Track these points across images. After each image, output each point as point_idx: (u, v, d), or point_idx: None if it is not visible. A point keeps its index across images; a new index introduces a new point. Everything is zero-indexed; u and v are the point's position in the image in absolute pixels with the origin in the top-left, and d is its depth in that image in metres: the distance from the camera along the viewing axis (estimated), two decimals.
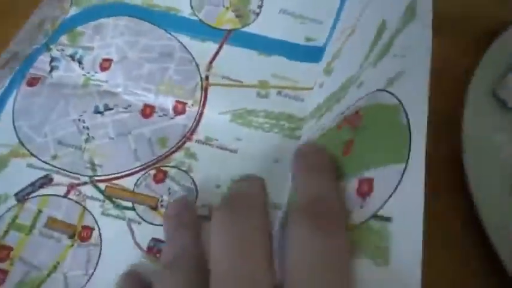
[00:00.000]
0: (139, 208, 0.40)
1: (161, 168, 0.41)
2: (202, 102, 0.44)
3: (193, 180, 0.41)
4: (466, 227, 0.41)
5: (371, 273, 0.25)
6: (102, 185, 0.41)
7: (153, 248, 0.38)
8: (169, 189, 0.41)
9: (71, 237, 0.38)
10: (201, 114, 0.44)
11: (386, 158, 0.27)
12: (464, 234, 0.41)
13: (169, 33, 0.47)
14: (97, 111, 0.43)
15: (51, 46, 0.47)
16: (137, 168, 0.41)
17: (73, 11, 0.50)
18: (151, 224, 0.39)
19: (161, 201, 0.40)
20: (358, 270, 0.26)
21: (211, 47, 0.47)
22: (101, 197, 0.40)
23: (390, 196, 0.26)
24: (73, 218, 0.39)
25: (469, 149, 0.41)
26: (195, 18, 0.48)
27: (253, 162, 0.42)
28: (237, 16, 0.48)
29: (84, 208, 0.40)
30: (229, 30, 0.47)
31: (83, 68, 0.46)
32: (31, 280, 0.37)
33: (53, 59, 0.47)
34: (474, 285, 0.40)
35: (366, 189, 0.28)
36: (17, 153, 0.42)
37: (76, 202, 0.40)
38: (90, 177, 0.41)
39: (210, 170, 0.41)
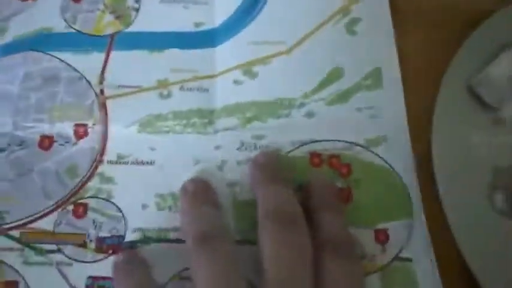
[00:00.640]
0: (66, 249, 0.37)
1: (78, 202, 0.39)
2: (104, 120, 0.42)
3: (117, 207, 0.39)
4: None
5: None
6: (15, 233, 0.37)
7: (93, 287, 0.36)
8: (93, 221, 0.38)
9: None
10: (106, 133, 0.41)
11: (397, 215, 0.38)
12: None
13: (48, 54, 0.44)
14: None
15: None
16: (51, 207, 0.39)
17: None
18: (84, 262, 0.37)
19: (88, 236, 0.38)
20: None
21: (98, 57, 0.44)
22: (18, 245, 0.37)
23: (406, 242, 0.38)
24: None
25: (440, 150, 0.40)
26: (72, 30, 0.45)
27: (174, 169, 0.40)
28: (116, 17, 0.46)
29: (1, 262, 0.36)
30: (112, 35, 0.45)
31: None
32: None
33: None
34: None
35: (383, 237, 0.38)
36: None
37: None
38: None
39: (132, 191, 0.39)
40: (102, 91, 0.43)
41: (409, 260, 0.37)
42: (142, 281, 0.35)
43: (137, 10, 0.46)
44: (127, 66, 0.44)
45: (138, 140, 0.41)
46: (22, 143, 0.40)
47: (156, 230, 0.38)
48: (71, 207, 0.39)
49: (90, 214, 0.38)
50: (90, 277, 0.36)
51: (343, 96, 0.42)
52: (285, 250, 0.32)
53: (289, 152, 0.40)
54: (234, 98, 0.42)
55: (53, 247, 0.37)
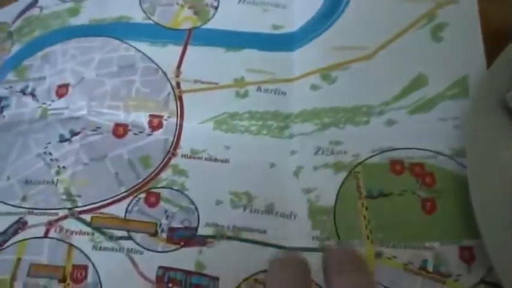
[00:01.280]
0: (137, 236, 0.37)
1: (151, 191, 0.39)
2: (179, 113, 0.42)
3: (190, 199, 0.38)
4: None
5: None
6: (86, 217, 0.37)
7: (164, 277, 0.35)
8: (166, 211, 0.38)
9: (62, 280, 0.35)
10: (180, 126, 0.41)
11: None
12: None
13: (126, 43, 0.45)
14: (63, 140, 0.40)
15: None
16: (123, 194, 0.38)
17: (15, 48, 0.47)
18: (155, 251, 0.36)
19: (160, 225, 0.37)
20: None
21: (174, 50, 0.44)
22: (88, 229, 0.37)
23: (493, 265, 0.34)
24: (60, 259, 0.36)
25: (474, 167, 0.37)
26: (150, 22, 0.46)
27: (249, 170, 0.40)
28: (194, 13, 0.46)
29: (71, 245, 0.36)
30: (190, 30, 0.45)
31: (37, 100, 0.43)
32: None
33: (1, 99, 0.43)
34: None
35: (468, 256, 0.36)
36: None
37: (59, 240, 0.36)
38: (70, 209, 0.38)
39: (206, 186, 0.39)
40: (178, 84, 0.43)
41: (495, 285, 0.35)
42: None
43: (216, 8, 0.46)
44: (203, 61, 0.44)
45: (213, 137, 0.41)
46: (96, 129, 0.41)
47: (230, 227, 0.37)
48: (143, 196, 0.38)
49: (163, 204, 0.38)
50: (161, 267, 0.36)
51: (426, 105, 0.41)
52: None
53: (368, 158, 0.39)
54: (312, 103, 0.42)
55: (124, 234, 0.37)
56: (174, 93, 0.43)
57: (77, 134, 0.40)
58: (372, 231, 0.37)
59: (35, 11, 0.48)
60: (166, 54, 0.44)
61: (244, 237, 0.37)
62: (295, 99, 0.43)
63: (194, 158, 0.40)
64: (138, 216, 0.38)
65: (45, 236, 0.37)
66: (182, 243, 0.37)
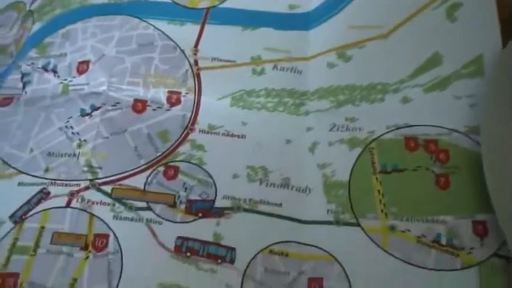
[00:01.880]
0: (156, 207, 0.38)
1: (170, 164, 0.40)
2: (197, 90, 0.43)
3: (208, 173, 0.39)
4: None
5: None
6: (107, 188, 0.38)
7: (182, 247, 0.36)
8: (184, 184, 0.39)
9: (84, 248, 0.36)
10: (198, 103, 0.42)
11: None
12: None
13: (144, 21, 0.46)
14: (84, 114, 0.41)
15: (20, 63, 0.45)
16: (143, 167, 0.39)
17: (36, 26, 0.48)
18: (174, 222, 0.37)
19: (179, 197, 0.38)
20: None
21: (192, 29, 0.45)
22: (109, 200, 0.38)
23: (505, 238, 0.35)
24: (82, 228, 0.37)
25: (488, 144, 0.38)
26: (168, 0, 0.47)
27: (266, 146, 0.41)
28: None
29: (92, 215, 0.37)
30: (208, 9, 0.46)
31: (58, 76, 0.44)
32: None
33: (24, 75, 0.44)
34: None
35: (481, 230, 0.36)
36: (2, 174, 0.39)
37: (81, 210, 0.37)
38: (91, 180, 0.39)
39: (223, 160, 0.40)
40: (196, 62, 0.44)
41: (507, 258, 0.35)
42: None
43: None
44: (220, 40, 0.45)
45: (230, 113, 0.42)
46: (116, 104, 0.42)
47: (247, 200, 0.38)
48: (161, 169, 0.39)
49: (181, 177, 0.39)
50: (179, 237, 0.36)
51: (441, 84, 0.41)
52: None
53: (382, 134, 0.40)
54: (327, 81, 0.43)
55: (143, 205, 0.38)
56: (192, 70, 0.43)
57: (97, 109, 0.41)
58: (386, 205, 0.37)
59: None
60: (184, 33, 0.45)
61: (260, 209, 0.38)
62: (311, 77, 0.43)
63: (211, 134, 0.41)
64: (157, 188, 0.39)
65: (68, 205, 0.38)
66: (200, 215, 0.38)
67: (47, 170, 0.39)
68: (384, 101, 0.41)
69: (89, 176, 0.39)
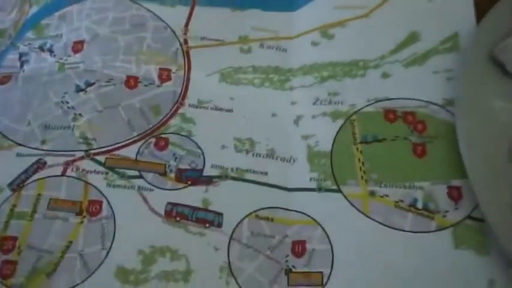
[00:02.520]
0: (148, 176, 0.39)
1: (161, 135, 0.41)
2: (187, 67, 0.44)
3: (197, 144, 0.41)
4: None
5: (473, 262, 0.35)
6: (101, 158, 0.40)
7: (172, 212, 0.38)
8: (174, 154, 0.40)
9: (79, 213, 0.37)
10: (188, 79, 0.44)
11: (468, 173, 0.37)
12: None
13: (137, 3, 0.47)
14: (79, 90, 0.43)
15: (18, 44, 0.47)
16: (135, 138, 0.41)
17: (33, 9, 0.49)
18: (164, 189, 0.39)
19: (169, 166, 0.40)
20: (462, 260, 0.36)
21: (182, 10, 0.47)
22: (102, 169, 0.39)
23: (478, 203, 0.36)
24: (77, 195, 0.38)
25: (463, 114, 0.39)
26: None
27: (252, 119, 0.42)
28: None
29: (87, 183, 0.39)
30: None
31: (54, 56, 0.45)
32: (45, 264, 0.36)
33: (21, 55, 0.46)
34: None
35: (456, 194, 0.38)
36: (1, 146, 0.41)
37: (76, 178, 0.39)
38: (86, 151, 0.40)
39: (211, 132, 0.42)
40: (186, 41, 0.45)
41: (481, 220, 0.37)
42: None
43: None
44: (210, 21, 0.47)
45: (219, 89, 0.43)
46: (110, 80, 0.43)
47: (234, 169, 0.40)
48: (153, 140, 0.41)
49: (171, 148, 0.41)
50: (169, 203, 0.38)
51: (420, 59, 0.43)
52: None
53: (363, 107, 0.41)
54: (311, 58, 0.44)
55: (135, 173, 0.39)
56: (182, 48, 0.45)
57: (91, 84, 0.43)
58: (366, 172, 0.39)
59: None
60: (174, 14, 0.47)
61: (247, 177, 0.39)
62: (296, 55, 0.45)
63: (200, 108, 0.43)
64: (148, 158, 0.40)
65: (63, 174, 0.39)
66: (189, 182, 0.39)
67: (43, 141, 0.41)
68: (365, 76, 0.43)
69: (84, 147, 0.40)
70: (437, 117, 0.41)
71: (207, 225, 0.37)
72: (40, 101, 0.43)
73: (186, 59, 0.44)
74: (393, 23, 0.45)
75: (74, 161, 0.40)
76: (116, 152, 0.40)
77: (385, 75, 0.43)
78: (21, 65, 0.45)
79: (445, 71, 0.42)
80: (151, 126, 0.41)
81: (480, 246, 0.36)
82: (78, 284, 0.35)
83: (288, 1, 0.47)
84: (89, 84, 0.43)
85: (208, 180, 0.39)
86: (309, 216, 0.38)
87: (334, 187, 0.38)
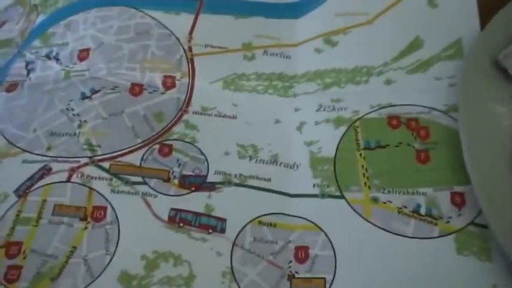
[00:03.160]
0: (151, 182, 0.40)
1: (165, 142, 0.42)
2: (191, 74, 0.45)
3: (200, 150, 0.41)
4: None
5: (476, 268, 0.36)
6: (105, 164, 0.41)
7: (175, 217, 0.38)
8: (178, 160, 0.41)
9: (83, 219, 0.38)
10: (192, 86, 0.44)
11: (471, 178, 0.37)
12: None
13: (141, 11, 0.48)
14: (84, 97, 0.44)
15: (25, 52, 0.48)
16: (139, 145, 0.42)
17: (40, 18, 0.50)
18: (167, 195, 0.39)
19: (173, 173, 0.40)
20: (464, 266, 0.36)
21: (187, 18, 0.48)
22: (107, 175, 0.40)
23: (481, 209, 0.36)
24: (81, 201, 0.39)
25: (466, 119, 0.39)
26: None
27: (255, 126, 0.43)
28: None
29: (91, 189, 0.39)
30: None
31: (60, 64, 0.46)
32: (49, 269, 0.36)
33: (28, 63, 0.47)
34: None
35: (459, 200, 0.38)
36: (7, 153, 0.41)
37: (81, 184, 0.40)
38: (90, 157, 0.41)
39: (215, 139, 0.42)
40: (190, 48, 0.46)
41: (484, 226, 0.37)
42: None
43: None
44: (214, 28, 0.47)
45: (222, 96, 0.44)
46: (115, 88, 0.44)
47: (237, 175, 0.40)
48: (157, 147, 0.41)
49: (175, 154, 0.41)
50: (173, 209, 0.38)
51: (423, 66, 0.43)
52: None
53: (366, 114, 0.42)
54: (315, 65, 0.45)
55: (139, 179, 0.40)
56: (186, 56, 0.46)
57: (96, 92, 0.44)
58: (369, 179, 0.39)
59: None
60: (179, 22, 0.48)
61: (250, 184, 0.40)
62: (299, 62, 0.46)
63: (204, 115, 0.43)
64: (152, 164, 0.41)
65: (68, 180, 0.40)
66: (193, 189, 0.40)
67: (49, 148, 0.41)
68: (368, 83, 0.43)
69: (88, 154, 0.41)
70: (440, 123, 0.41)
71: (210, 230, 0.38)
72: (46, 108, 0.43)
73: (190, 66, 0.45)
74: (396, 30, 0.45)
75: (78, 167, 0.40)
76: (120, 159, 0.41)
77: (388, 82, 0.43)
78: (28, 73, 0.46)
79: (447, 77, 0.43)
80: (155, 133, 0.42)
81: (483, 252, 0.36)
82: None
83: (292, 8, 0.48)
84: (94, 92, 0.44)
85: (212, 187, 0.40)
86: (311, 222, 0.38)
87: (337, 193, 0.39)
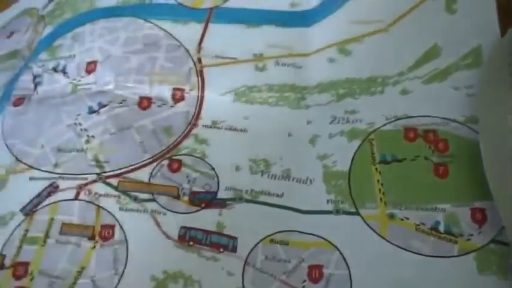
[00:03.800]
0: (161, 199, 0.39)
1: (173, 157, 0.41)
2: (200, 86, 0.44)
3: (211, 166, 0.41)
4: None
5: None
6: (113, 181, 0.40)
7: (185, 236, 0.38)
8: (187, 176, 0.40)
9: (91, 238, 0.38)
10: (202, 99, 0.44)
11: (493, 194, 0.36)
12: None
13: (149, 22, 0.48)
14: (92, 111, 0.43)
15: (31, 65, 0.47)
16: (148, 160, 0.41)
17: (47, 30, 0.50)
18: (177, 213, 0.39)
19: (182, 189, 0.40)
20: (486, 286, 0.34)
21: (196, 28, 0.47)
22: (115, 192, 0.40)
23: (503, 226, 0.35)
24: (89, 219, 0.38)
25: (487, 132, 0.38)
26: (173, 2, 0.49)
27: (267, 139, 0.42)
28: None
29: (99, 207, 0.39)
30: (211, 9, 0.48)
31: (68, 77, 0.46)
32: None
33: (35, 77, 0.47)
34: None
35: (480, 217, 0.37)
36: (14, 170, 0.41)
37: (89, 202, 0.39)
38: (98, 174, 0.41)
39: (226, 153, 0.42)
40: (199, 59, 0.45)
41: (507, 244, 0.36)
42: None
43: None
44: (224, 38, 0.47)
45: (233, 108, 0.43)
46: (123, 102, 0.44)
47: (248, 191, 0.39)
48: (166, 162, 0.41)
49: (184, 170, 0.41)
50: (183, 227, 0.38)
51: (440, 75, 0.42)
52: None
53: (382, 126, 0.41)
54: (328, 76, 0.44)
55: (148, 196, 0.39)
56: (196, 67, 0.45)
57: (104, 106, 0.43)
58: (385, 194, 0.38)
59: None
60: (188, 32, 0.47)
61: (261, 200, 0.39)
62: (312, 72, 0.45)
63: (214, 128, 0.43)
64: (161, 181, 0.40)
65: (76, 198, 0.39)
66: (203, 205, 0.39)
67: (56, 165, 0.41)
68: (384, 93, 0.42)
69: (96, 170, 0.41)
70: (459, 135, 0.40)
71: (221, 249, 0.37)
72: (53, 123, 0.43)
73: (199, 78, 0.45)
74: (412, 38, 0.44)
75: (86, 184, 0.40)
76: (129, 175, 0.40)
77: (404, 92, 0.42)
78: (35, 87, 0.46)
79: (466, 87, 0.41)
80: (164, 147, 0.42)
81: (504, 272, 0.35)
82: None
83: (304, 16, 0.47)
84: (102, 106, 0.43)
85: (223, 203, 0.39)
86: (325, 239, 0.37)
87: (352, 209, 0.38)
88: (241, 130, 0.42)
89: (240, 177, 0.40)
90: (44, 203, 0.39)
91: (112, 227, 0.38)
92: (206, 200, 0.39)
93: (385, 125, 0.41)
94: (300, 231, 0.38)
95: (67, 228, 0.38)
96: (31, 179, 0.41)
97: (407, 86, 0.42)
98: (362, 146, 0.40)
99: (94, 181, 0.40)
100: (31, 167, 0.41)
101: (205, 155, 0.41)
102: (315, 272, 0.36)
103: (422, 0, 0.45)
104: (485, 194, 0.36)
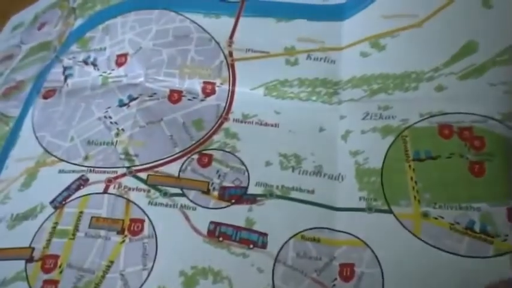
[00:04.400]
0: (190, 194, 0.39)
1: (204, 152, 0.41)
2: (231, 80, 0.44)
3: (241, 160, 0.40)
4: None
5: None
6: (143, 175, 0.40)
7: (215, 231, 0.37)
8: (217, 171, 0.40)
9: (120, 232, 0.37)
10: (232, 92, 0.44)
11: None
12: None
13: (181, 15, 0.47)
14: (122, 104, 0.43)
15: (62, 57, 0.48)
16: (178, 154, 0.41)
17: (78, 22, 0.50)
18: (207, 208, 0.38)
19: (212, 184, 0.39)
20: None
21: (227, 21, 0.47)
22: (144, 186, 0.39)
23: None
24: (119, 213, 0.38)
25: None
26: None
27: (298, 134, 0.42)
28: None
29: (129, 200, 0.39)
30: (243, 1, 0.48)
31: (98, 69, 0.46)
32: (85, 285, 0.36)
33: (65, 69, 0.47)
34: None
35: None
36: (44, 162, 0.41)
37: (118, 196, 0.39)
38: (128, 168, 0.40)
39: (256, 148, 0.41)
40: (230, 53, 0.45)
41: None
42: None
43: None
44: (255, 32, 0.46)
45: (264, 103, 0.43)
46: (153, 95, 0.43)
47: (279, 187, 0.39)
48: (196, 156, 0.41)
49: (215, 164, 0.40)
50: (212, 222, 0.38)
51: (476, 71, 0.41)
52: None
53: (416, 122, 0.40)
54: (361, 70, 0.43)
55: (178, 191, 0.39)
56: (227, 61, 0.45)
57: (134, 99, 0.43)
58: (419, 192, 0.37)
59: None
60: (219, 25, 0.47)
61: (292, 196, 0.39)
62: (345, 66, 0.44)
63: (245, 123, 0.42)
64: (191, 175, 0.40)
65: (105, 191, 0.39)
66: (233, 201, 0.39)
67: (86, 157, 0.41)
68: (418, 89, 0.41)
69: (126, 164, 0.40)
70: (496, 133, 0.39)
71: (251, 245, 0.37)
72: (83, 115, 0.43)
73: (230, 71, 0.44)
74: (448, 33, 0.43)
75: (116, 177, 0.40)
76: (159, 169, 0.40)
77: (439, 88, 0.41)
78: (65, 79, 0.46)
79: (502, 83, 0.40)
80: (194, 141, 0.41)
81: None
82: None
83: (336, 10, 0.46)
84: (132, 99, 0.43)
85: (253, 199, 0.39)
86: (357, 237, 0.36)
87: (385, 207, 0.37)
88: (272, 125, 0.42)
89: (270, 173, 0.40)
90: (74, 196, 0.39)
91: (141, 221, 0.38)
92: (236, 195, 0.39)
93: (419, 121, 0.40)
94: (331, 229, 0.37)
95: (96, 222, 0.38)
96: (60, 171, 0.41)
97: (443, 82, 0.41)
98: (395, 142, 0.40)
99: (123, 175, 0.40)
100: (61, 160, 0.41)
101: (236, 149, 0.41)
102: (346, 271, 0.35)
103: None
104: None
